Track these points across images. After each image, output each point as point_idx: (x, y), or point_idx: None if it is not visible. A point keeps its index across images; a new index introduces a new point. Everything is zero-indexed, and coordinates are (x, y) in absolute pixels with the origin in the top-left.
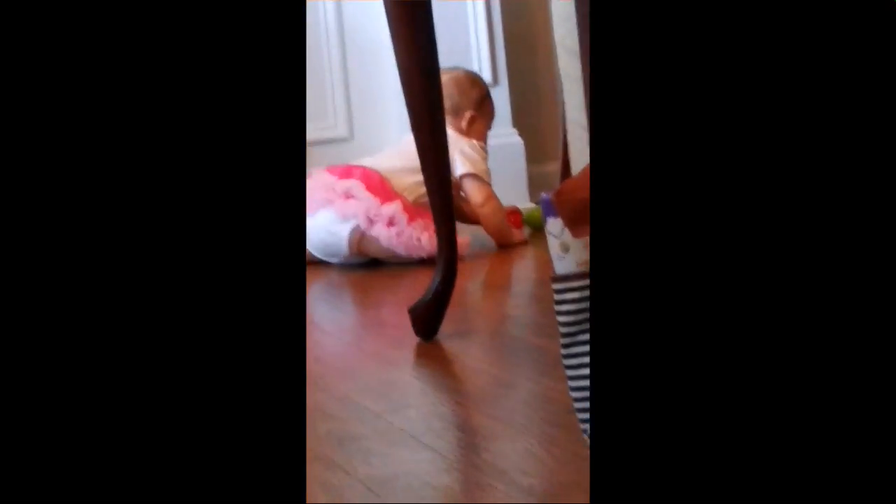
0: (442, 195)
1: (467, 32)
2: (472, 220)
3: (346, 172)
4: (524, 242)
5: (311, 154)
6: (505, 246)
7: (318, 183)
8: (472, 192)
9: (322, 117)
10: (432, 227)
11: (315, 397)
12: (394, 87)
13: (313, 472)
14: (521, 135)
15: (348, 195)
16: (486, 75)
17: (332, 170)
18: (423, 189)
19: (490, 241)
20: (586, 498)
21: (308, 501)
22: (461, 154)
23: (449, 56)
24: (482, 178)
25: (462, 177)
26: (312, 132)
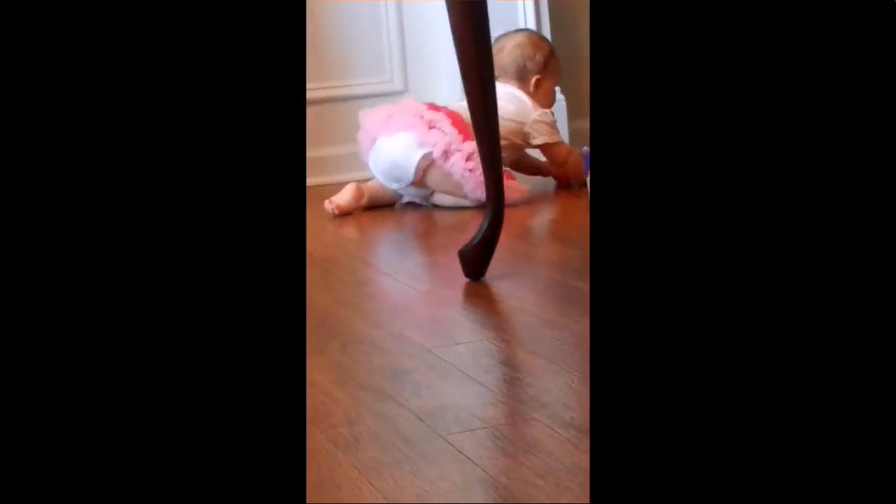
0: (491, 147)
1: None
2: (542, 173)
3: (433, 108)
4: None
5: (369, 106)
6: (580, 182)
7: (405, 107)
8: (554, 156)
9: (380, 72)
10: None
11: (370, 333)
12: (446, 43)
13: (367, 402)
14: (563, 93)
15: (432, 125)
16: None
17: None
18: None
19: (543, 190)
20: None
21: (362, 429)
22: (536, 126)
23: (499, 19)
24: (557, 142)
25: (541, 147)
26: (370, 86)
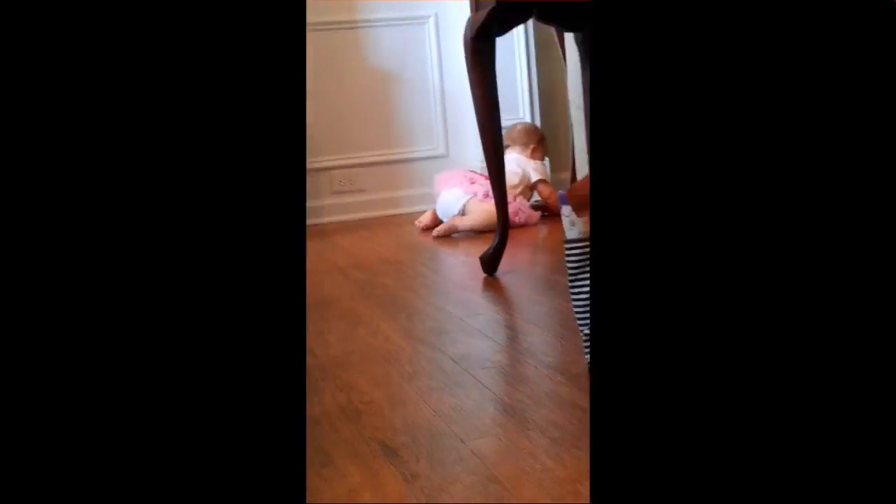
0: (500, 188)
1: (517, 93)
2: (547, 210)
3: (473, 172)
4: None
5: (421, 167)
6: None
7: (456, 172)
8: (543, 190)
9: (429, 141)
10: (523, 210)
11: (424, 307)
12: (473, 127)
13: (422, 350)
14: (548, 156)
15: (472, 181)
16: (528, 119)
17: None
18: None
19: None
20: (581, 367)
21: (419, 367)
22: (534, 170)
23: (506, 109)
24: (547, 181)
25: (536, 182)
26: (422, 152)
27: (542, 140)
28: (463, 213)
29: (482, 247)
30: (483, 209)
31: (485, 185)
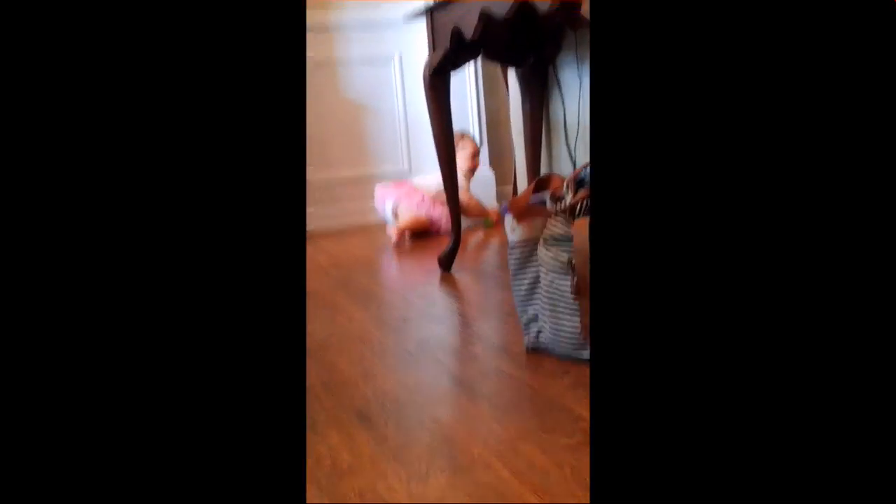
0: (454, 198)
1: (468, 121)
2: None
3: (399, 184)
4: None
5: (390, 179)
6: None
7: (385, 186)
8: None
9: (395, 161)
10: (445, 212)
11: (392, 297)
12: (431, 147)
13: (387, 333)
14: (492, 170)
15: (398, 188)
16: (477, 138)
17: (394, 183)
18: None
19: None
20: (520, 347)
21: (387, 346)
22: (464, 197)
23: (459, 120)
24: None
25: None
26: (388, 168)
27: (475, 149)
28: (395, 214)
29: (440, 249)
30: (410, 213)
31: (419, 194)
